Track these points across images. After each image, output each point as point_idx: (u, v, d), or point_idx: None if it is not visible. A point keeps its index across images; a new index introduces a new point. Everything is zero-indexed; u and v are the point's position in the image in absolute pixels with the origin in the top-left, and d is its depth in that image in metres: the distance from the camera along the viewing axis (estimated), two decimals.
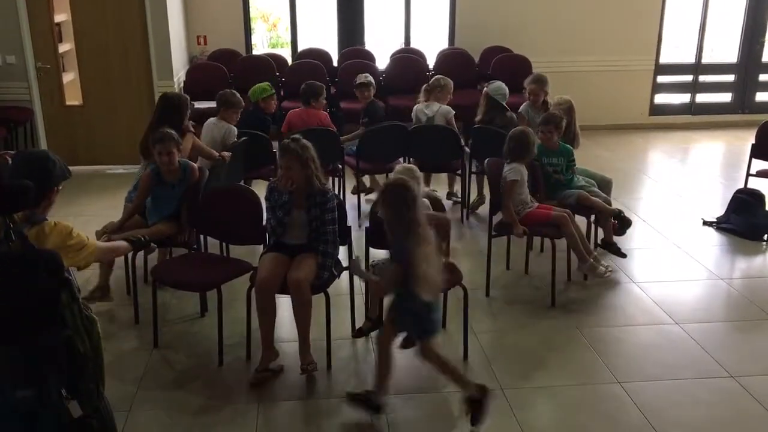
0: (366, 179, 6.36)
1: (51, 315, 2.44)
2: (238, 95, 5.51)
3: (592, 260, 4.67)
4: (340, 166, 5.95)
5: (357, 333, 4.05)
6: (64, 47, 7.54)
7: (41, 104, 7.36)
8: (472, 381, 3.42)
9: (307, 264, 3.76)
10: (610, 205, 5.06)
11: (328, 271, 3.84)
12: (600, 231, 5.09)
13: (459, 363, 3.94)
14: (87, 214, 6.12)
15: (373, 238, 4.07)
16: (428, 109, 6.01)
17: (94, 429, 2.56)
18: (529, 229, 4.63)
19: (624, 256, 5.03)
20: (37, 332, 2.42)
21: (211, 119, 5.44)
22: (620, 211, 5.09)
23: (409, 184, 3.31)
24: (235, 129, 5.39)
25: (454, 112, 5.99)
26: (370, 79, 6.21)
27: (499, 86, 5.88)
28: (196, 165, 4.52)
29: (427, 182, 6.09)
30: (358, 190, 6.12)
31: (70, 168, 3.13)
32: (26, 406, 2.41)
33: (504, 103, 5.82)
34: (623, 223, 5.06)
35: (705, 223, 5.92)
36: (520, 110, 5.82)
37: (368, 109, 6.14)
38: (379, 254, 4.05)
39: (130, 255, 4.37)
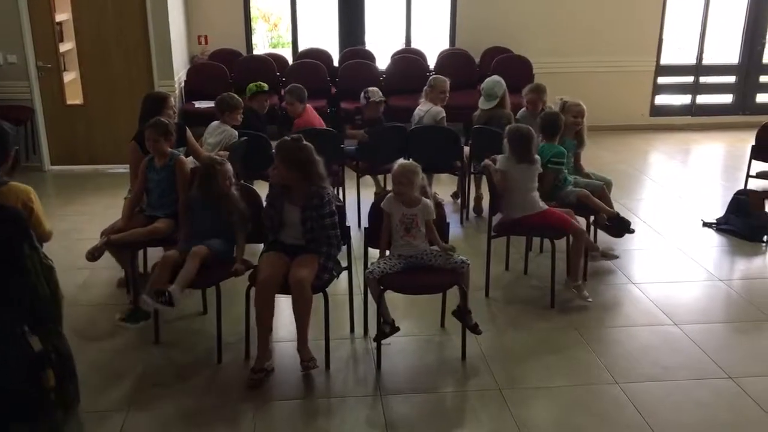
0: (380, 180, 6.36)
1: (16, 263, 2.83)
2: (236, 96, 5.53)
3: (581, 282, 4.67)
4: (338, 167, 5.95)
5: (381, 335, 3.90)
6: (65, 46, 7.56)
7: (42, 103, 7.37)
8: None
9: (308, 263, 3.76)
10: (607, 199, 5.06)
11: (328, 273, 3.84)
12: (599, 234, 5.10)
13: (457, 362, 3.95)
14: (86, 213, 6.14)
15: (373, 238, 4.08)
16: (422, 110, 6.03)
17: (53, 361, 2.99)
18: (532, 229, 4.64)
19: (628, 224, 5.06)
20: (4, 278, 2.82)
21: (215, 122, 5.46)
22: (618, 214, 5.09)
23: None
24: (236, 132, 5.41)
25: (444, 113, 5.99)
26: (382, 97, 6.13)
27: (486, 84, 5.89)
28: (185, 159, 4.54)
29: (429, 184, 6.08)
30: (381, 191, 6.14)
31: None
32: None
33: (494, 101, 5.82)
34: (622, 226, 5.06)
35: (705, 224, 5.92)
36: (517, 117, 5.80)
37: (373, 123, 6.06)
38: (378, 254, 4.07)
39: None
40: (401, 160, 4.01)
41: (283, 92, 6.06)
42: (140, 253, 4.63)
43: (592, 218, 5.02)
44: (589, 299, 4.60)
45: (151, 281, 3.91)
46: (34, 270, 2.91)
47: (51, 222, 3.70)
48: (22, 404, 2.89)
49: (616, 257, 5.09)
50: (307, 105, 6.03)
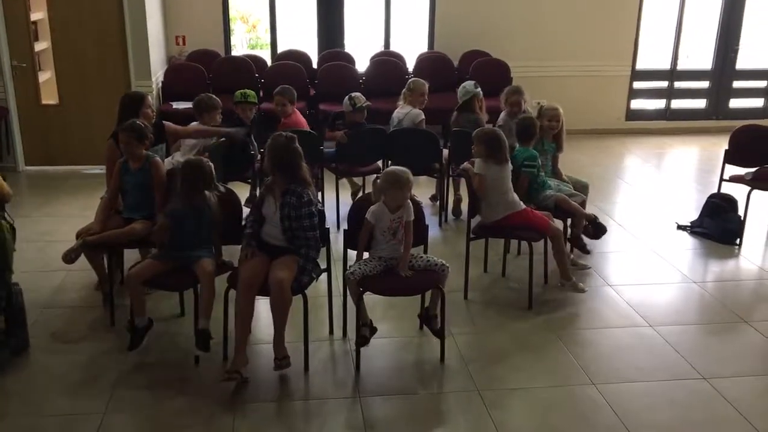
0: (359, 181, 6.37)
1: None
2: (214, 97, 5.52)
3: (573, 279, 4.76)
4: (318, 170, 5.94)
5: (362, 341, 3.92)
6: (40, 46, 7.46)
7: (16, 103, 7.27)
8: None
9: (288, 265, 3.76)
10: (584, 206, 5.12)
11: (307, 275, 3.84)
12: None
13: (436, 364, 3.97)
14: (62, 215, 6.07)
15: (352, 240, 4.08)
16: (401, 113, 6.05)
17: (2, 298, 3.77)
18: (513, 231, 4.69)
19: (588, 252, 5.16)
20: None
21: (194, 123, 5.46)
22: (596, 217, 5.16)
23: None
24: None
25: (422, 115, 6.02)
26: (368, 102, 6.06)
27: (462, 87, 5.97)
28: (161, 162, 4.51)
29: None
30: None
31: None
32: None
33: (467, 100, 5.89)
34: (598, 229, 5.12)
35: (679, 227, 6.00)
36: (499, 123, 5.81)
37: (353, 126, 6.05)
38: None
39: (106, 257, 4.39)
40: (396, 167, 3.99)
41: (273, 93, 6.04)
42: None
43: (569, 221, 5.06)
44: (586, 288, 4.72)
45: (133, 306, 3.93)
46: None
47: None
48: None
49: (587, 268, 5.15)
50: (296, 107, 6.06)
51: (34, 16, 7.29)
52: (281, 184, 3.83)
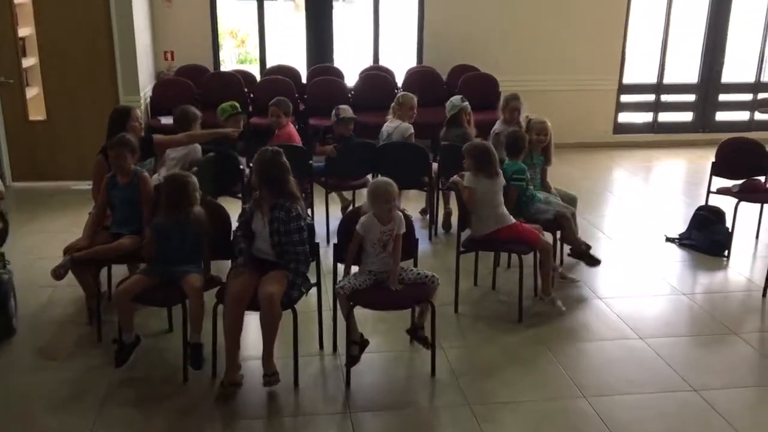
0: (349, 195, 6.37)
1: None
2: (193, 108, 5.50)
3: (553, 295, 4.73)
4: (307, 184, 5.94)
5: (352, 361, 3.90)
6: (28, 62, 7.43)
7: (4, 119, 7.24)
8: None
9: (278, 279, 3.74)
10: (575, 219, 5.13)
11: (297, 290, 3.82)
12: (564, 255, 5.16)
13: (427, 378, 3.95)
14: (49, 231, 6.03)
15: (342, 254, 4.07)
16: (390, 126, 6.07)
17: None
18: (503, 244, 4.70)
19: (598, 262, 5.19)
20: None
21: (151, 134, 5.39)
22: (589, 247, 5.25)
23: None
24: (198, 146, 5.37)
25: (412, 129, 6.05)
26: (353, 114, 6.09)
27: (449, 102, 6.01)
28: (149, 176, 4.50)
29: (399, 200, 6.10)
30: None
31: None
32: None
33: (455, 114, 5.92)
34: (591, 262, 5.17)
35: (668, 239, 6.03)
36: (495, 130, 5.85)
37: (343, 139, 6.06)
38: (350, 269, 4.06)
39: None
40: (379, 179, 4.01)
41: (269, 104, 6.06)
42: (103, 270, 4.56)
43: (558, 233, 5.07)
44: (563, 308, 4.67)
45: (120, 322, 3.90)
46: None
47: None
48: None
49: (577, 281, 5.16)
50: (290, 120, 6.08)
51: (22, 32, 7.27)
52: (269, 199, 3.82)
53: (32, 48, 7.41)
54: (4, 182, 7.25)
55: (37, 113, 7.42)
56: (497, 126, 5.90)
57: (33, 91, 7.54)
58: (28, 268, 5.19)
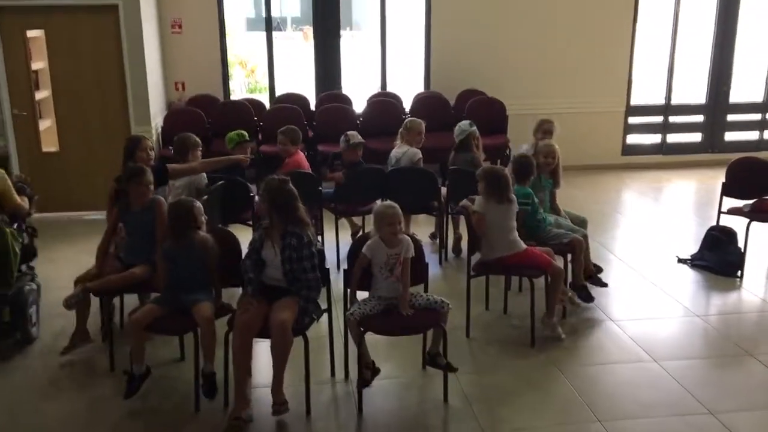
0: (358, 221, 6.39)
1: None
2: (193, 135, 5.52)
3: (555, 320, 4.70)
4: (317, 210, 5.96)
5: (363, 383, 3.89)
6: (41, 94, 7.55)
7: (17, 151, 7.33)
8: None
9: (289, 306, 3.74)
10: (587, 241, 5.11)
11: (308, 317, 3.82)
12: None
13: (439, 404, 3.93)
14: (62, 260, 6.06)
15: (352, 280, 4.07)
16: (398, 152, 6.11)
17: (8, 296, 4.45)
18: (513, 268, 4.69)
19: (591, 299, 5.09)
20: None
21: (164, 163, 5.42)
22: (600, 270, 5.27)
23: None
24: (203, 173, 5.41)
25: (420, 154, 6.07)
26: (362, 140, 6.12)
27: (458, 127, 6.03)
28: (164, 202, 4.53)
29: (407, 224, 6.12)
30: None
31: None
32: None
33: (463, 139, 5.94)
34: (587, 298, 5.11)
35: (680, 260, 6.00)
36: (529, 150, 5.77)
37: (352, 165, 6.10)
38: (360, 295, 4.05)
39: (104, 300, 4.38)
40: (384, 202, 4.03)
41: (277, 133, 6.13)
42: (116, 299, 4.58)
43: (569, 256, 5.05)
44: (563, 336, 4.63)
45: (132, 355, 3.90)
46: None
47: None
48: None
49: (580, 306, 5.13)
50: (299, 148, 6.10)
51: (35, 65, 7.39)
52: (279, 227, 3.83)
53: (45, 81, 7.52)
54: None
55: (50, 145, 7.52)
56: (526, 147, 5.93)
57: (46, 123, 7.64)
58: (41, 298, 5.22)
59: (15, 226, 4.67)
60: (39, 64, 7.47)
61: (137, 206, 4.38)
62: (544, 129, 5.93)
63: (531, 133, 5.94)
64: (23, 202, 4.80)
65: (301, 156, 6.15)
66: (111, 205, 4.60)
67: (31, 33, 7.21)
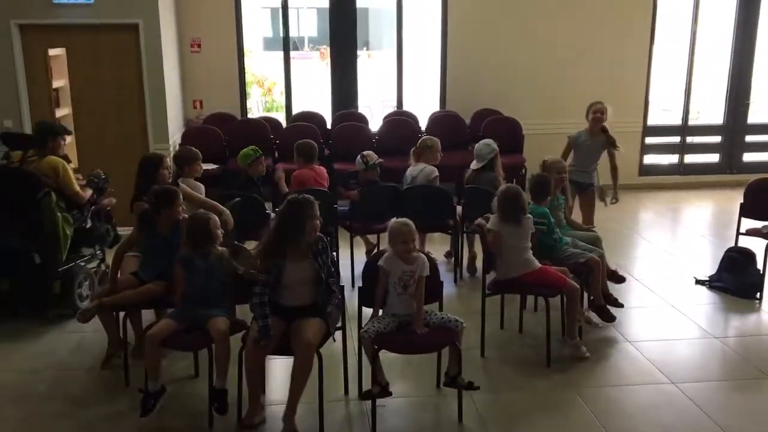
0: (373, 239, 6.39)
1: (35, 203, 4.99)
2: (193, 149, 5.53)
3: (578, 339, 4.67)
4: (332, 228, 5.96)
5: (366, 396, 3.89)
6: (61, 111, 7.64)
7: None
8: None
9: (318, 328, 3.71)
10: (603, 260, 5.08)
11: (331, 335, 3.84)
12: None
13: (454, 424, 3.89)
14: None
15: (367, 297, 4.06)
16: (415, 169, 6.11)
17: (49, 271, 5.06)
18: (529, 287, 4.66)
19: (612, 318, 5.05)
20: (29, 212, 5.02)
21: (177, 180, 5.43)
22: (623, 278, 5.28)
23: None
24: (202, 186, 5.41)
25: (437, 172, 6.08)
26: (380, 159, 6.14)
27: (477, 146, 6.02)
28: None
29: (422, 243, 6.11)
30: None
31: None
32: (12, 249, 5.03)
33: (482, 162, 5.92)
34: (607, 318, 5.06)
35: (698, 281, 5.93)
36: (580, 139, 6.30)
37: (368, 185, 6.10)
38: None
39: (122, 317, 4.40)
40: (399, 219, 4.01)
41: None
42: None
43: (585, 275, 5.01)
44: (587, 354, 4.59)
45: (147, 371, 3.87)
46: (48, 208, 4.99)
47: None
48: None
49: (598, 326, 5.08)
50: (312, 164, 6.09)
51: (56, 83, 7.49)
52: (302, 243, 3.79)
53: (65, 98, 7.62)
54: None
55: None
56: (580, 134, 5.98)
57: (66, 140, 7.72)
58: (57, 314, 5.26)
59: (75, 212, 5.32)
60: (60, 81, 7.58)
61: (165, 228, 4.38)
62: (595, 109, 6.21)
63: (547, 153, 5.91)
64: (85, 192, 5.41)
65: (306, 173, 6.05)
66: (139, 226, 4.58)
67: (52, 51, 7.32)
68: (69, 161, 5.65)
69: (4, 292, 5.22)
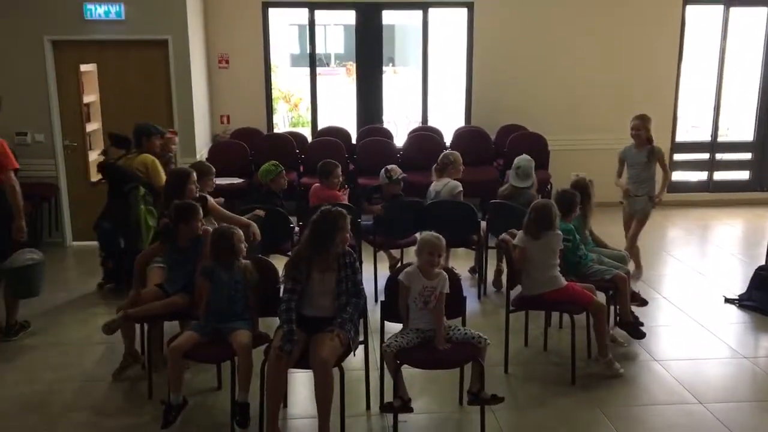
0: (397, 254, 6.38)
1: (124, 194, 5.74)
2: (206, 163, 5.72)
3: (610, 356, 4.60)
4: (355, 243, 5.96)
5: (386, 408, 3.86)
6: (91, 126, 7.78)
7: (67, 181, 7.54)
8: None
9: (330, 343, 3.69)
10: (629, 275, 5.01)
11: (348, 349, 3.81)
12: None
13: None
14: (106, 287, 6.17)
15: (389, 312, 4.05)
16: (438, 184, 6.11)
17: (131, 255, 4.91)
18: (554, 304, 4.62)
19: (642, 335, 4.96)
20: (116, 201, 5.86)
21: (205, 195, 5.47)
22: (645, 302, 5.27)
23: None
24: (221, 198, 5.57)
25: (461, 187, 6.06)
26: (404, 174, 6.17)
27: (522, 163, 5.98)
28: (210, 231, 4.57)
29: (447, 258, 6.08)
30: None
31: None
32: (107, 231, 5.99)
33: (529, 181, 5.90)
34: (637, 334, 4.98)
35: (727, 300, 5.83)
36: (620, 153, 6.41)
37: (392, 199, 6.10)
38: (395, 327, 4.02)
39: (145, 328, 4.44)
40: (431, 232, 3.99)
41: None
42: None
43: (610, 292, 4.95)
44: (621, 371, 4.54)
45: (170, 383, 3.89)
46: (134, 200, 5.67)
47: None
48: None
49: (623, 344, 5.00)
50: (328, 181, 6.07)
51: (87, 98, 7.63)
52: (327, 254, 3.82)
53: (96, 113, 7.76)
54: (64, 242, 7.52)
55: (97, 175, 7.68)
56: (627, 149, 6.35)
57: (95, 154, 7.85)
58: (83, 325, 5.32)
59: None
60: (90, 97, 7.72)
61: (185, 242, 4.42)
62: (630, 126, 6.33)
63: (573, 169, 5.88)
64: None
65: (319, 190, 6.05)
66: (161, 239, 4.62)
67: (83, 67, 7.46)
68: (171, 162, 6.29)
69: (110, 269, 6.05)
